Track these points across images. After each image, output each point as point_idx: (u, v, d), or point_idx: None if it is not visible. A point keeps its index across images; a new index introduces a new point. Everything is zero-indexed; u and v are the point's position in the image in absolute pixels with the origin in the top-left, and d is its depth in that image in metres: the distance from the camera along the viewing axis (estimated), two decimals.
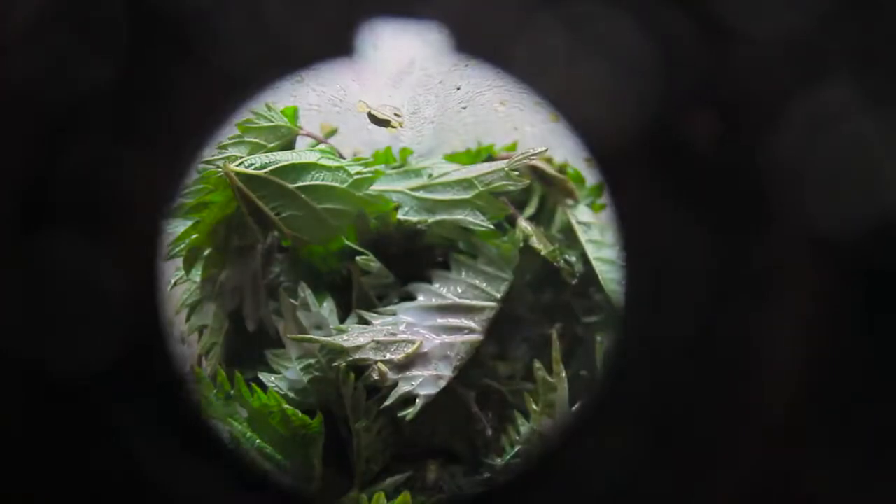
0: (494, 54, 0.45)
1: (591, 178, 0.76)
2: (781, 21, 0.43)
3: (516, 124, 0.78)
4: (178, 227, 0.67)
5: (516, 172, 0.70)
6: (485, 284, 0.70)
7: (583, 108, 0.44)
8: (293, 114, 0.71)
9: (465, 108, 0.75)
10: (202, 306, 0.70)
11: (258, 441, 0.65)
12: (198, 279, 0.70)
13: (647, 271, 0.45)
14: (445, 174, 0.71)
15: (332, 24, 0.44)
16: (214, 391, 0.65)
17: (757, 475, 0.44)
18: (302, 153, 0.69)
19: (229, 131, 0.66)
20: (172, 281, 0.71)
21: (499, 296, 0.70)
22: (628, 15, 0.43)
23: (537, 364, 0.69)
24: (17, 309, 0.43)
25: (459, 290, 0.70)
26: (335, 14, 0.44)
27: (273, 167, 0.67)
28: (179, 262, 0.69)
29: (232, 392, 0.65)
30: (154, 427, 0.45)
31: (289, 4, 0.44)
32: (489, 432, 0.70)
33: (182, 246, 0.68)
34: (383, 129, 0.70)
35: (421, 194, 0.71)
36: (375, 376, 0.67)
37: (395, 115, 0.70)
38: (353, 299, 0.71)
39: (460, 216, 0.70)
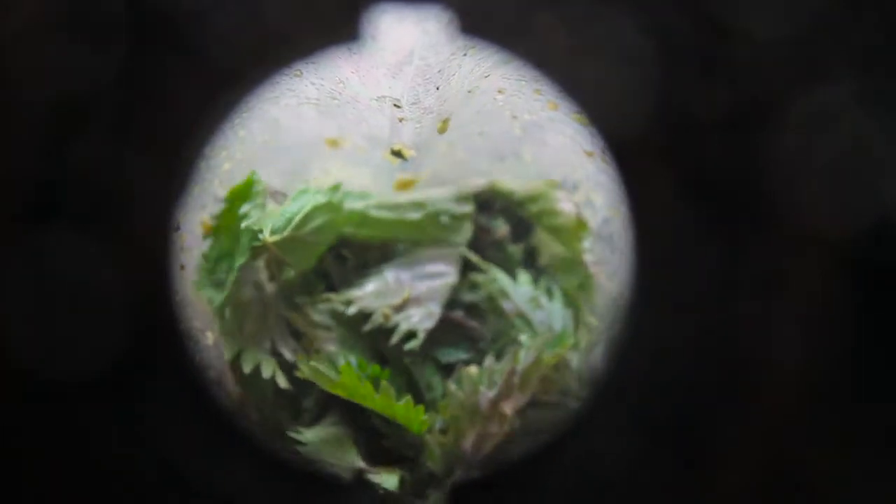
0: (500, 38, 0.45)
1: (590, 169, 0.76)
2: (781, 21, 0.43)
3: (515, 112, 0.78)
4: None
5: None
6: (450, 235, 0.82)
7: (587, 96, 0.44)
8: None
9: (466, 94, 0.75)
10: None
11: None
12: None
13: (650, 265, 0.45)
14: (401, 195, 0.82)
15: (331, 14, 0.44)
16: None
17: (759, 472, 0.45)
18: (305, 198, 0.78)
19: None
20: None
21: (463, 241, 0.81)
22: (632, 12, 0.43)
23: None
24: (25, 309, 0.44)
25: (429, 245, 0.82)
26: (333, 4, 0.44)
27: (291, 227, 0.77)
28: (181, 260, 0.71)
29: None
30: (177, 421, 0.45)
31: None
32: (488, 336, 0.81)
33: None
34: (384, 124, 0.72)
35: (377, 213, 0.81)
36: (381, 319, 0.78)
37: (395, 106, 0.70)
38: (336, 282, 0.81)
39: (412, 235, 0.82)
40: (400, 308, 0.79)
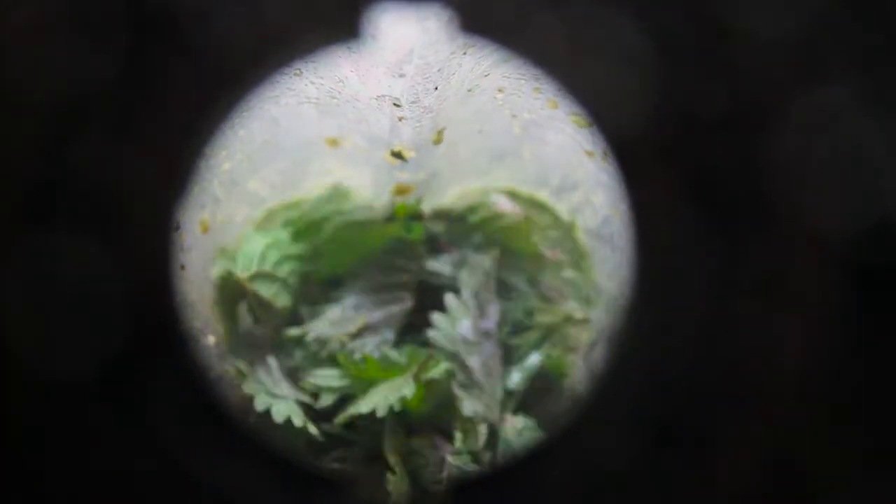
0: (500, 36, 0.45)
1: (590, 168, 0.76)
2: (781, 21, 0.43)
3: (515, 111, 0.78)
4: None
5: None
6: (404, 261, 0.84)
7: (587, 95, 0.44)
8: None
9: (465, 93, 0.75)
10: None
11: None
12: None
13: (650, 265, 0.45)
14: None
15: (330, 13, 0.44)
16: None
17: (759, 473, 0.45)
18: (256, 239, 0.82)
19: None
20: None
21: (416, 267, 0.84)
22: (632, 12, 0.44)
23: None
24: (25, 309, 0.44)
25: (386, 270, 0.84)
26: (333, 3, 0.44)
27: (257, 263, 0.81)
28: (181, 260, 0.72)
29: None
30: (177, 421, 0.45)
31: None
32: None
33: None
34: (384, 123, 0.72)
35: (328, 244, 0.84)
36: (336, 346, 0.81)
37: (395, 105, 0.71)
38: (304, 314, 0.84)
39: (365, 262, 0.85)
40: (356, 335, 0.83)
